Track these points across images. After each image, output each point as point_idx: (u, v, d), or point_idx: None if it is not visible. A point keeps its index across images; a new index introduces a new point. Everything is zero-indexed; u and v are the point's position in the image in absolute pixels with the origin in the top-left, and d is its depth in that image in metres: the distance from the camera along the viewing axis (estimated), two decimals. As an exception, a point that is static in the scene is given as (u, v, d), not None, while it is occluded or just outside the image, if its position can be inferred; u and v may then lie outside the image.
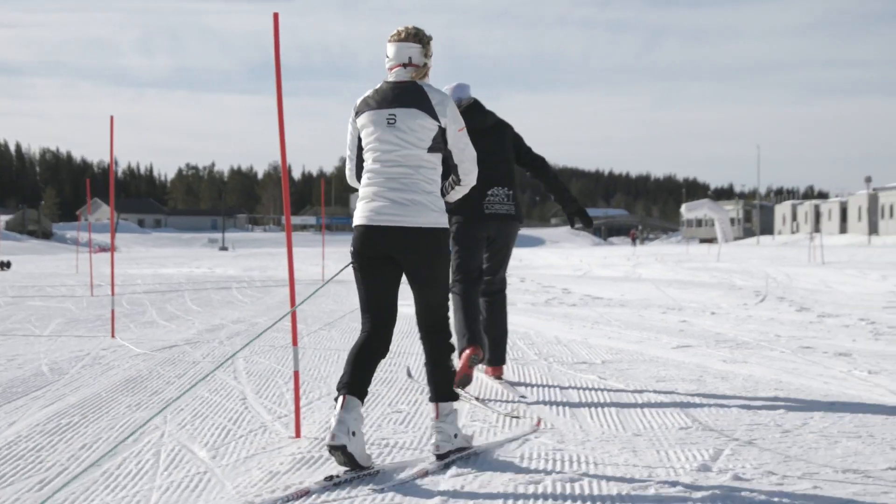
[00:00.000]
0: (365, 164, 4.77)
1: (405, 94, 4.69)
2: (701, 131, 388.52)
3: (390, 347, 4.64)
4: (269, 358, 7.95)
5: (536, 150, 7.01)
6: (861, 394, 6.18)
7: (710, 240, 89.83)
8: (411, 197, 4.62)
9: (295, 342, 5.07)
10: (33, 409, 5.72)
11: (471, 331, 6.64)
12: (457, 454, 4.53)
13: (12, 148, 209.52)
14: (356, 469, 4.19)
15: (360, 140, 4.81)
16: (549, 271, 28.10)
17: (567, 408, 5.74)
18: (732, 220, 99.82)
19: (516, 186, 7.01)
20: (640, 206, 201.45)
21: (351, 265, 4.76)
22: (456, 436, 4.59)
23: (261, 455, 4.51)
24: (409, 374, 7.22)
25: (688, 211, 75.75)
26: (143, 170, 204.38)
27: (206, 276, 25.29)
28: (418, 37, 4.81)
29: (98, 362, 7.80)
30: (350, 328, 10.58)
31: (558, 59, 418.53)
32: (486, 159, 6.35)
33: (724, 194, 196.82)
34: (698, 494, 3.82)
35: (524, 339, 9.25)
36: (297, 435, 4.90)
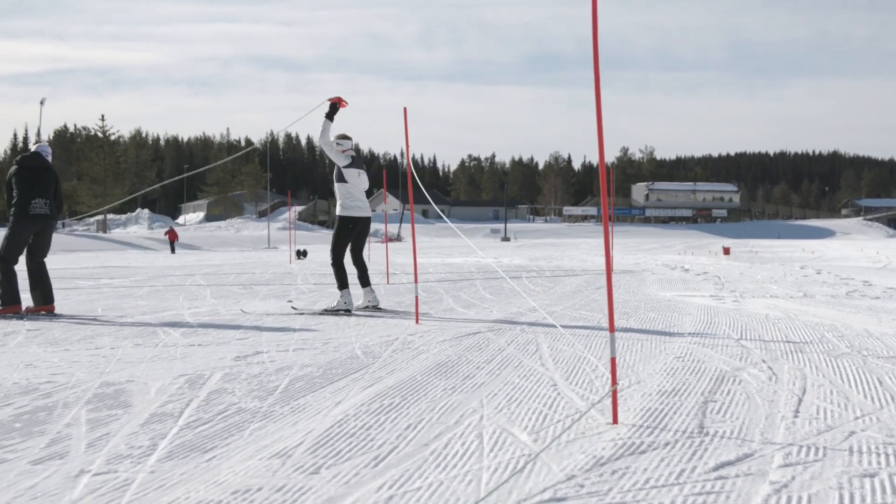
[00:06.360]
0: (351, 189, 11.59)
1: (362, 160, 11.90)
2: None
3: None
4: (573, 345, 8.01)
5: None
6: None
7: None
8: (367, 204, 11.81)
9: (612, 329, 5.08)
10: (355, 390, 5.98)
11: (12, 294, 10.98)
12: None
13: (304, 142, 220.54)
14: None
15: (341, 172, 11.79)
16: (844, 263, 26.99)
17: (891, 402, 5.48)
18: None
19: (52, 198, 11.39)
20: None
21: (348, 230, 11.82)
22: (376, 297, 11.82)
23: (581, 440, 4.53)
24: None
25: None
26: (426, 161, 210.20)
27: (492, 266, 25.70)
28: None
29: (407, 347, 8.08)
30: (647, 318, 10.50)
31: (844, 43, 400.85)
32: (43, 182, 11.27)
33: None
34: None
35: (832, 331, 8.92)
36: (615, 421, 4.91)
